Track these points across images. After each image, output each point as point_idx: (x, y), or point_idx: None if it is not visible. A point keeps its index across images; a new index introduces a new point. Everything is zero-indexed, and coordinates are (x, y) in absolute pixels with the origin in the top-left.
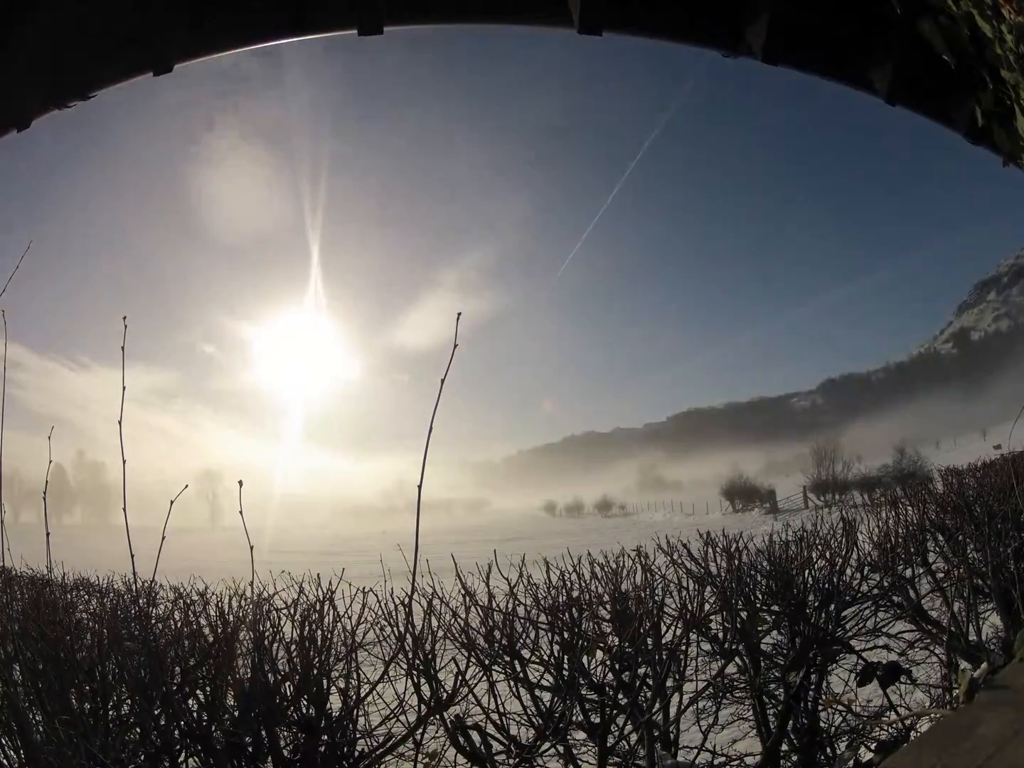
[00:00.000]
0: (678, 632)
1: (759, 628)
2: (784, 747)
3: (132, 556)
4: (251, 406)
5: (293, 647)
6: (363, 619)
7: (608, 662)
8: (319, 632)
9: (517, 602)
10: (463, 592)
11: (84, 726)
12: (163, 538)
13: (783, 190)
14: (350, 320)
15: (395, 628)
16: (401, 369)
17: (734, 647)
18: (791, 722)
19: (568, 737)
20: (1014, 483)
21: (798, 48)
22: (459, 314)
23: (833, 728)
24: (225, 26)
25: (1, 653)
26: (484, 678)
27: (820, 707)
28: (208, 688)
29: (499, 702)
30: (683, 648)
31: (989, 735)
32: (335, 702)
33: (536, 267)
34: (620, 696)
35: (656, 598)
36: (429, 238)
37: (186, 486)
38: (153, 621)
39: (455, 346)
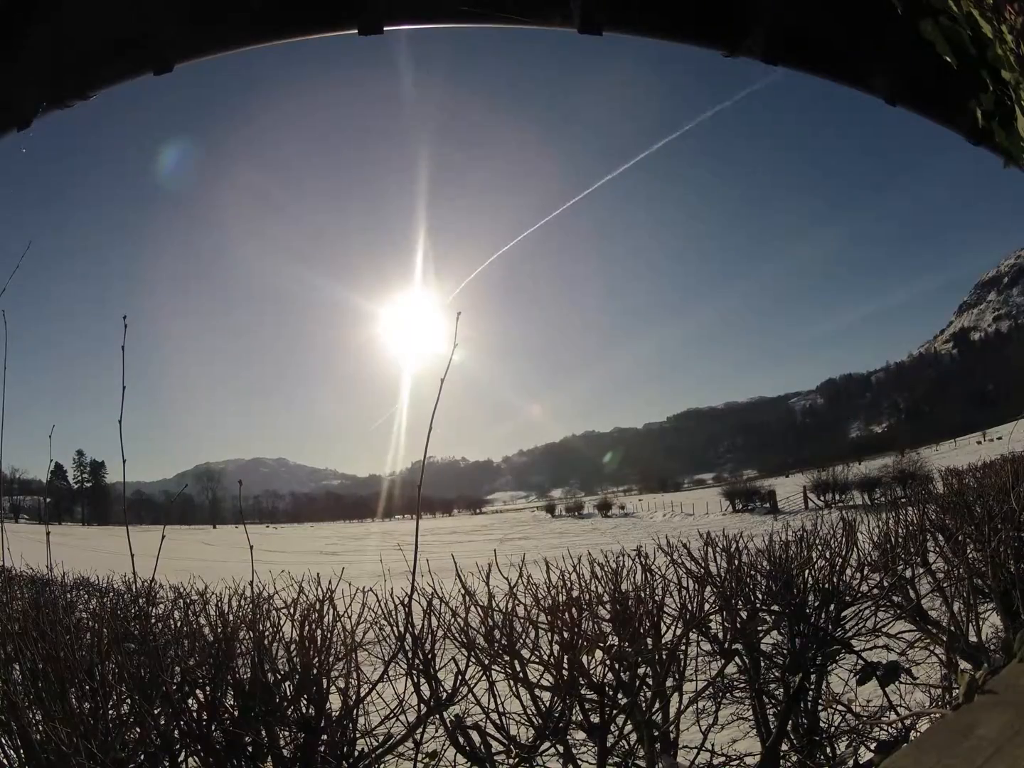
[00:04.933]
0: (678, 632)
1: (759, 628)
2: (784, 747)
3: (132, 556)
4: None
5: (293, 647)
6: (363, 619)
7: (608, 662)
8: (319, 632)
9: (517, 602)
10: (463, 592)
11: (84, 726)
12: (163, 537)
13: (782, 189)
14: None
15: (395, 628)
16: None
17: (734, 647)
18: (791, 722)
19: (568, 737)
20: (1013, 483)
21: (798, 48)
22: (459, 314)
23: (833, 728)
24: (225, 26)
25: (1, 653)
26: (484, 678)
27: (820, 707)
28: (208, 688)
29: (499, 702)
30: (683, 648)
31: (989, 735)
32: (335, 702)
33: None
34: (620, 696)
35: (656, 598)
36: None
37: (186, 486)
38: (153, 621)
39: (455, 345)
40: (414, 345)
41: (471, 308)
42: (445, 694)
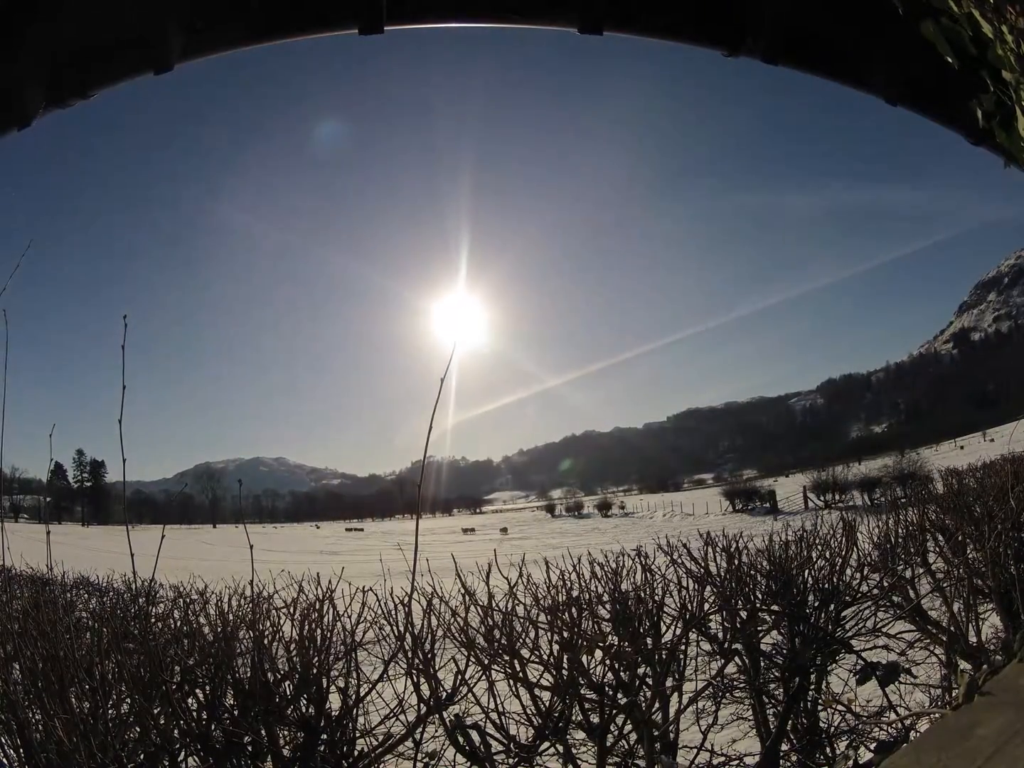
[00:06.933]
0: (678, 632)
1: (759, 628)
2: (784, 747)
3: (132, 555)
4: None
5: (292, 646)
6: (363, 618)
7: (607, 662)
8: (318, 631)
9: (517, 601)
10: (463, 591)
11: (84, 725)
12: (163, 536)
13: (781, 189)
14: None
15: (395, 627)
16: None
17: (734, 647)
18: (791, 722)
19: (567, 737)
20: (1013, 483)
21: (798, 48)
22: (453, 316)
23: (833, 728)
24: (225, 25)
25: (1, 653)
26: (483, 677)
27: (820, 707)
28: (208, 687)
29: (498, 701)
30: (683, 648)
31: (989, 735)
32: (334, 701)
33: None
34: (619, 696)
35: (656, 598)
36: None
37: (185, 485)
38: (153, 620)
39: (455, 345)
40: (458, 340)
41: (491, 298)
42: (445, 694)
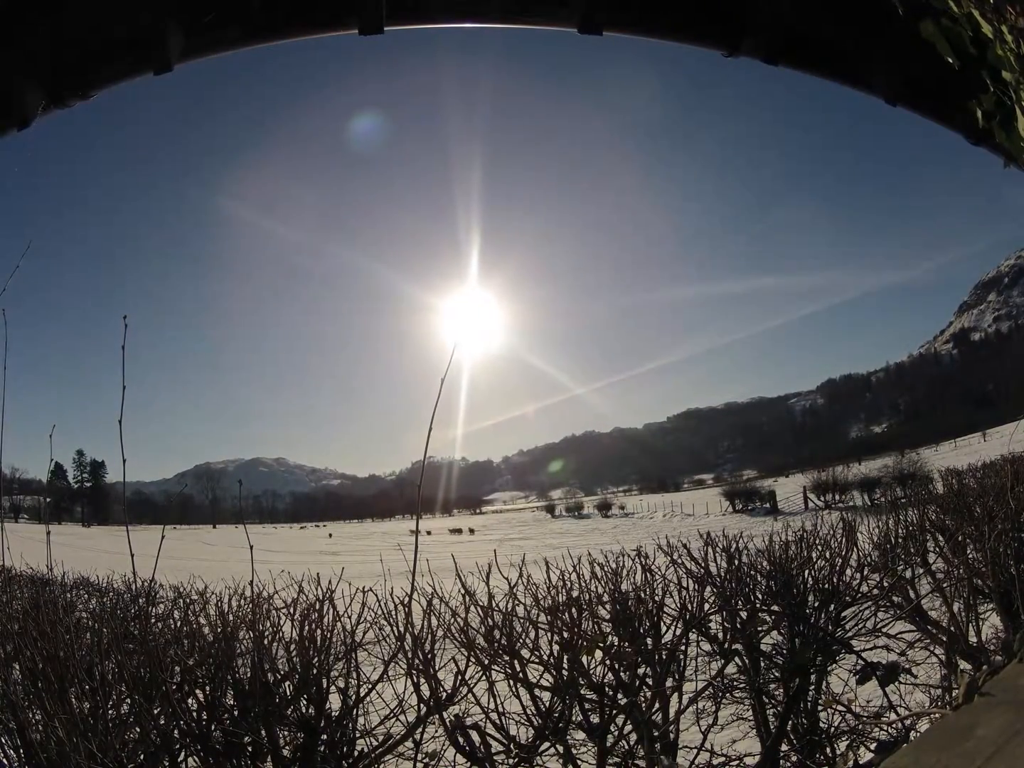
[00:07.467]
0: (678, 632)
1: (759, 628)
2: (784, 747)
3: (132, 555)
4: None
5: (292, 647)
6: (363, 619)
7: (608, 662)
8: (318, 632)
9: (517, 602)
10: (463, 592)
11: (84, 726)
12: (163, 537)
13: (783, 190)
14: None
15: (395, 628)
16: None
17: (734, 647)
18: (791, 722)
19: (567, 737)
20: (1013, 483)
21: (798, 48)
22: (459, 316)
23: (833, 728)
24: (225, 26)
25: (1, 653)
26: (483, 678)
27: (820, 707)
28: (207, 688)
29: (498, 702)
30: (683, 648)
31: (989, 736)
32: (334, 702)
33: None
34: (620, 696)
35: (656, 598)
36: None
37: (185, 485)
38: (153, 621)
39: (455, 345)
40: (462, 341)
41: (502, 299)
42: (445, 694)
